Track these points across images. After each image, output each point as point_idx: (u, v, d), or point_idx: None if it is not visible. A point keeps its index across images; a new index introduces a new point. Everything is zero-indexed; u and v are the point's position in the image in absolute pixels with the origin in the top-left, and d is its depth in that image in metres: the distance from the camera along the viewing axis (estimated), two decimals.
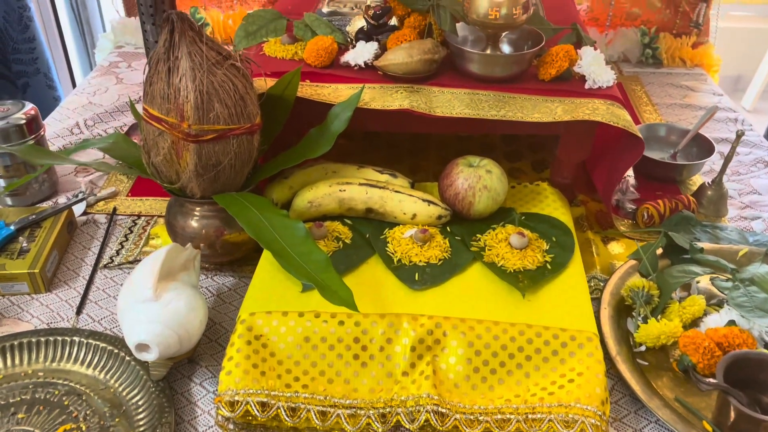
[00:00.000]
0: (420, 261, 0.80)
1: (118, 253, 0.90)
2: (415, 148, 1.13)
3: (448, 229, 0.86)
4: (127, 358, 0.74)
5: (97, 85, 1.31)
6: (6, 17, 1.52)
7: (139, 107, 0.80)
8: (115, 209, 0.97)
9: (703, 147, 1.08)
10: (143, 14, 1.00)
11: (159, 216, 0.96)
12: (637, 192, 0.99)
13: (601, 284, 0.86)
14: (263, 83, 0.88)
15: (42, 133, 0.96)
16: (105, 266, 0.87)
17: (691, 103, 1.30)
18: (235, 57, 0.77)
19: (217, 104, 0.74)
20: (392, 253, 0.81)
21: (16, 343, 0.75)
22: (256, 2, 1.56)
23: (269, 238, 0.72)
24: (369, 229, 0.86)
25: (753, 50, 2.99)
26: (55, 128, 1.16)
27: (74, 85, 1.79)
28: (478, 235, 0.85)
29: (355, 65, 0.93)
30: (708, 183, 0.99)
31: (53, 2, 1.68)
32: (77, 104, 1.24)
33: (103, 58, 1.42)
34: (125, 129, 1.16)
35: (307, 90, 0.89)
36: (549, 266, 0.79)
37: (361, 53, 0.93)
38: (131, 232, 0.93)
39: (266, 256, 0.80)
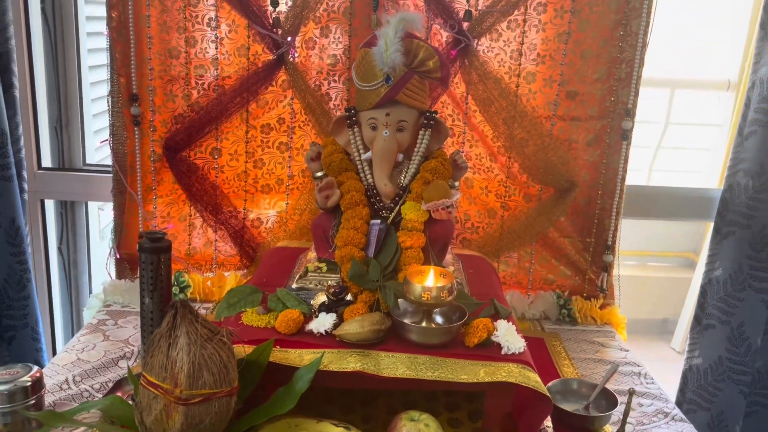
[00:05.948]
0: None
1: None
2: (365, 399, 1.29)
3: None
4: None
5: (86, 342, 1.47)
6: (7, 279, 1.71)
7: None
8: None
9: (610, 400, 1.28)
10: (144, 290, 1.21)
11: None
12: None
13: None
14: (242, 350, 1.07)
15: (42, 394, 1.11)
16: None
17: (602, 358, 1.53)
18: (222, 332, 0.97)
19: (205, 373, 0.92)
20: None
21: None
22: (232, 266, 1.81)
23: None
24: None
25: (674, 296, 3.40)
26: (46, 384, 1.29)
27: (53, 338, 1.94)
28: None
29: (317, 333, 1.14)
30: None
31: (48, 265, 1.91)
32: (67, 360, 1.39)
33: (92, 316, 1.61)
34: (110, 384, 1.30)
35: (277, 355, 1.08)
36: None
37: (322, 323, 1.14)
38: None
39: None
